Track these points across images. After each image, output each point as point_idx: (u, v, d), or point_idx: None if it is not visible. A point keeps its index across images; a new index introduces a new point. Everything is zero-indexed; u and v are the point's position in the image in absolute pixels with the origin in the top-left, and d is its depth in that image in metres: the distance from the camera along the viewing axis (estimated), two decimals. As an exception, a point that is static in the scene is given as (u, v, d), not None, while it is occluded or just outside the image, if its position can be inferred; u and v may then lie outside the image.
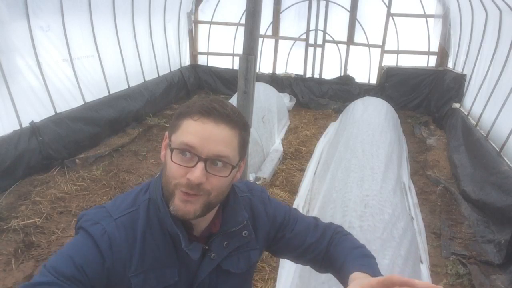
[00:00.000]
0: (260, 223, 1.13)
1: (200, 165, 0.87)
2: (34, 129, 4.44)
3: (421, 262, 3.07)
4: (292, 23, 8.20)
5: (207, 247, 1.00)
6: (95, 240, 0.89)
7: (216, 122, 0.88)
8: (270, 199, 1.20)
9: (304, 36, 8.15)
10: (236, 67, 8.60)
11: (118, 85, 6.29)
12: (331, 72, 8.27)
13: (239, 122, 0.93)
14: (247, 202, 1.12)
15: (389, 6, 7.54)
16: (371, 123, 4.78)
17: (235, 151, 0.92)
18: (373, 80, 8.18)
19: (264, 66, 8.57)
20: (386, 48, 7.84)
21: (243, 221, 1.05)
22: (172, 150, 0.89)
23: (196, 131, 0.87)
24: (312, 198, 3.98)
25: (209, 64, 8.95)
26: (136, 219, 0.95)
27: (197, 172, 0.86)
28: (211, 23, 8.59)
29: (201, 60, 9.08)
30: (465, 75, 6.55)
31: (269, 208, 1.16)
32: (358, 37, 7.94)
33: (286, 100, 7.71)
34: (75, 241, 0.91)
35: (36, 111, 4.59)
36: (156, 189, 0.98)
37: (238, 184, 1.17)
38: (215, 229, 1.02)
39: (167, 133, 0.98)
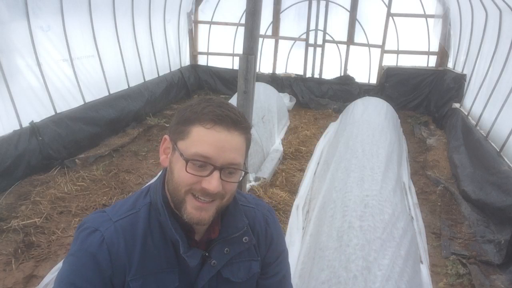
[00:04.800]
0: (257, 238, 1.10)
1: (216, 174, 0.87)
2: (34, 129, 4.44)
3: (421, 262, 3.07)
4: (292, 23, 8.20)
5: (207, 254, 0.99)
6: (93, 253, 0.89)
7: (229, 130, 0.88)
8: (275, 222, 1.15)
9: (304, 36, 8.14)
10: (236, 67, 8.59)
11: (118, 85, 6.29)
12: (331, 72, 8.27)
13: (247, 127, 0.93)
14: (251, 213, 1.10)
15: (389, 6, 7.53)
16: (371, 123, 4.78)
17: (244, 155, 0.93)
18: (373, 80, 8.18)
19: (264, 66, 8.57)
20: (386, 48, 7.84)
21: (243, 227, 1.04)
22: (187, 161, 0.87)
23: (211, 141, 0.87)
24: (312, 198, 3.98)
25: (209, 64, 8.95)
26: (136, 222, 0.95)
27: (214, 182, 0.86)
28: (211, 23, 8.59)
29: (201, 60, 9.08)
30: (465, 75, 6.55)
31: (270, 229, 1.13)
32: (358, 37, 7.94)
33: (286, 100, 7.71)
34: (73, 262, 0.91)
35: (36, 111, 4.59)
36: (157, 193, 0.97)
37: (246, 195, 1.16)
38: (214, 235, 1.01)
39: (167, 136, 0.96)
